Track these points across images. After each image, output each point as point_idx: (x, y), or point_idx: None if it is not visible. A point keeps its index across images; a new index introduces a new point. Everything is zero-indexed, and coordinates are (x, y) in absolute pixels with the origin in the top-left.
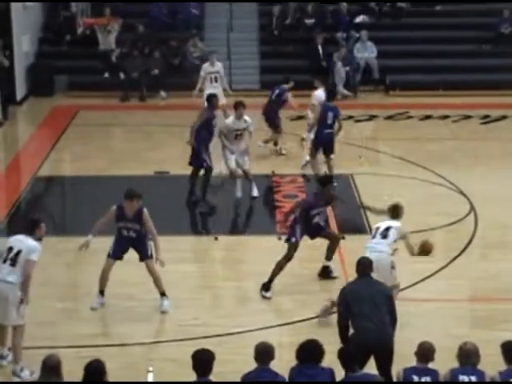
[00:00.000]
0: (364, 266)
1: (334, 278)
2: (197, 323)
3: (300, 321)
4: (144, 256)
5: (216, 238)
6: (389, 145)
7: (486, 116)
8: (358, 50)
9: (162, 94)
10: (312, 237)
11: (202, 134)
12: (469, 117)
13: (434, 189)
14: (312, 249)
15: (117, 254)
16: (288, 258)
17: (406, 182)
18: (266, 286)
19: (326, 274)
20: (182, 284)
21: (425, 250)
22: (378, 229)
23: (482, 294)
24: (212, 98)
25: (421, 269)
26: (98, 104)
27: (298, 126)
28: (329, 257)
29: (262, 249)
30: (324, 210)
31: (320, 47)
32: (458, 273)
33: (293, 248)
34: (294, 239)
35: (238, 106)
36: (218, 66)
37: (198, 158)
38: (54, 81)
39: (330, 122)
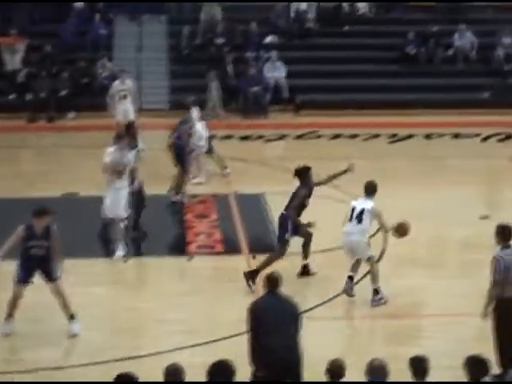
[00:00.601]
0: (272, 281)
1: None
2: (108, 346)
3: (212, 341)
4: (52, 277)
5: (125, 261)
6: (299, 164)
7: (394, 135)
8: (268, 69)
9: (70, 114)
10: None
11: None
12: (377, 135)
13: (344, 207)
14: (225, 268)
15: (26, 278)
16: (280, 254)
17: (317, 201)
18: (253, 277)
19: (305, 272)
20: (93, 307)
21: (400, 231)
22: (353, 210)
23: (393, 310)
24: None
25: (330, 287)
26: (4, 125)
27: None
28: (306, 255)
29: (173, 270)
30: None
31: (230, 67)
32: (369, 289)
33: (285, 245)
34: (287, 235)
35: (122, 137)
36: (129, 84)
37: None
38: None
39: (176, 134)
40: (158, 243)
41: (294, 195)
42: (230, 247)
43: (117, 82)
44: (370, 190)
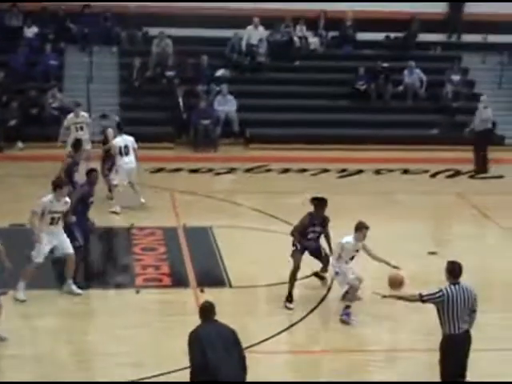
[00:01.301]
0: (207, 310)
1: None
2: (51, 379)
3: (160, 374)
4: None
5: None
6: (248, 198)
7: (343, 170)
8: (219, 103)
9: (19, 144)
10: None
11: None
12: (326, 170)
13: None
14: (173, 301)
15: None
16: (294, 268)
17: (265, 235)
18: (289, 299)
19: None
20: (37, 339)
21: (395, 283)
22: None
23: (340, 345)
24: (77, 143)
25: (279, 321)
26: None
27: (158, 178)
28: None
29: (120, 302)
30: (319, 230)
31: (181, 100)
32: (315, 325)
33: (297, 256)
34: (295, 247)
35: (59, 185)
36: (84, 116)
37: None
38: None
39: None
40: (105, 276)
41: (301, 220)
42: (178, 280)
43: (71, 115)
44: (355, 227)
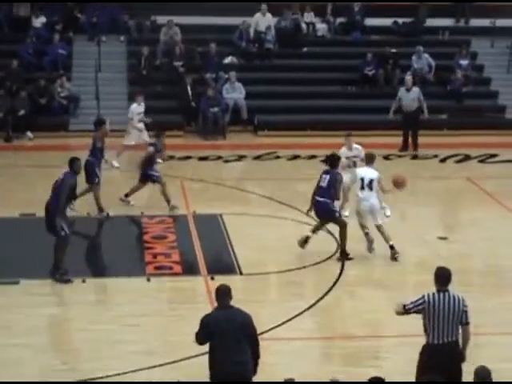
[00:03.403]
0: (222, 294)
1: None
2: (65, 368)
3: (170, 362)
4: None
5: (83, 281)
6: (258, 185)
7: None
8: (227, 90)
9: (29, 134)
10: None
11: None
12: None
13: (303, 228)
14: (183, 289)
15: None
16: (343, 225)
17: (275, 222)
18: (345, 256)
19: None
20: (48, 328)
21: (398, 184)
22: (362, 180)
23: (350, 331)
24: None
25: (290, 307)
26: None
27: (167, 166)
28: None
29: (131, 291)
30: None
31: (189, 88)
32: (326, 311)
33: (341, 219)
34: (337, 214)
35: None
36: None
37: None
38: None
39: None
40: (116, 264)
41: (332, 181)
42: (189, 268)
43: (134, 105)
44: (368, 159)
